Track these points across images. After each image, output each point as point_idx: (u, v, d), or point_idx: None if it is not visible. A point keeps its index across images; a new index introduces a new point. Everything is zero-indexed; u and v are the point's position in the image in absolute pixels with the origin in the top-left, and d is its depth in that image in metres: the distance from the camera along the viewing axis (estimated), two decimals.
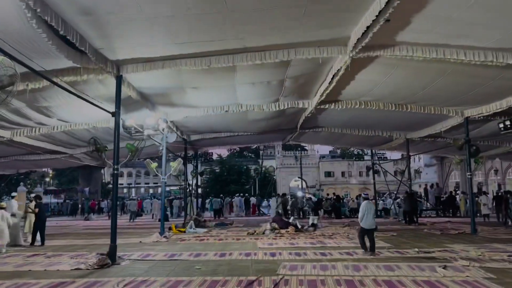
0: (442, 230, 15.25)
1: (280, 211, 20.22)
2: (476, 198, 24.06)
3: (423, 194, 29.19)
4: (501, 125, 12.18)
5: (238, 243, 12.08)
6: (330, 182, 55.63)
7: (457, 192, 29.80)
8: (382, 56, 9.53)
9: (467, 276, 6.74)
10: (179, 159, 14.37)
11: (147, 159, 14.18)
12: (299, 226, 15.32)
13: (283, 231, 14.58)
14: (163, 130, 12.91)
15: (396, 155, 37.86)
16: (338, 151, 73.90)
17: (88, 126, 14.31)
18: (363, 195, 10.61)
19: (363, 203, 9.68)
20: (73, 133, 15.67)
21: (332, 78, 10.92)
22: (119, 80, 9.48)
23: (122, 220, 26.49)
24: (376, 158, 29.43)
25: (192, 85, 11.22)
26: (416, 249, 10.05)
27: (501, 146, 19.69)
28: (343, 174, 57.03)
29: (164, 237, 13.46)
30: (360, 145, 25.58)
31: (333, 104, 14.00)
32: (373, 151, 27.26)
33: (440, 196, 27.12)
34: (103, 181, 51.35)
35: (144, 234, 14.83)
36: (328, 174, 57.11)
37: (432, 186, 29.56)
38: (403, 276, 6.88)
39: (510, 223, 16.70)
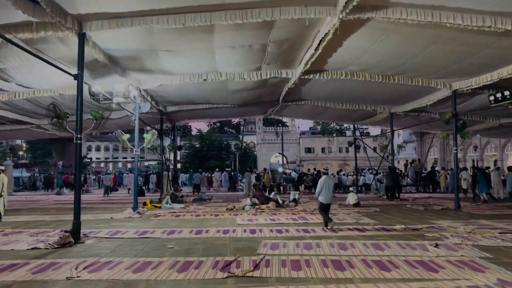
0: (425, 205, 14.98)
1: (261, 186, 19.63)
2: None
3: (403, 170, 29.15)
4: (492, 98, 11.70)
5: (216, 220, 11.42)
6: (310, 158, 55.59)
7: (435, 167, 29.90)
8: (373, 19, 8.75)
9: (462, 255, 6.24)
10: (153, 130, 13.43)
11: (119, 130, 13.20)
12: (280, 202, 14.79)
13: (263, 206, 14.04)
14: (134, 98, 11.92)
15: (377, 130, 37.74)
16: (319, 127, 74.02)
17: (53, 93, 13.15)
18: (323, 170, 10.46)
19: (322, 178, 9.49)
20: (37, 101, 14.45)
21: (319, 44, 10.09)
22: (82, 38, 8.41)
23: (97, 195, 25.59)
24: (358, 134, 29.09)
25: (165, 47, 10.17)
26: (403, 225, 9.60)
27: (485, 122, 19.44)
28: (323, 150, 57.08)
29: (137, 213, 12.69)
30: (343, 120, 25.01)
31: (318, 74, 13.24)
32: (356, 126, 26.85)
33: (421, 172, 27.11)
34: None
35: (117, 210, 14.03)
36: (309, 150, 57.06)
37: (412, 162, 29.54)
38: (393, 255, 6.33)
39: (483, 198, 16.59)
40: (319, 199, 9.37)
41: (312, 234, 8.55)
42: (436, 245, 6.98)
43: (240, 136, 60.98)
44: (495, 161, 32.81)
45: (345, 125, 49.37)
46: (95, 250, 7.18)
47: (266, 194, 16.70)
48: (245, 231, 9.08)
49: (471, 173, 17.07)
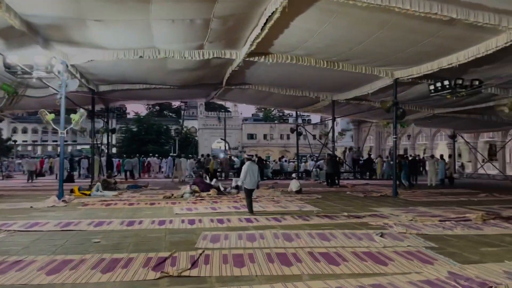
0: (365, 192, 15.20)
1: (201, 172, 18.90)
2: (392, 162, 25.10)
3: (342, 158, 29.87)
4: (432, 87, 11.91)
5: (151, 209, 10.58)
6: (253, 144, 55.51)
7: (371, 155, 30.97)
8: None
9: (409, 245, 6.07)
10: (82, 110, 12.11)
11: (42, 110, 11.75)
12: (222, 189, 14.21)
13: (204, 194, 13.37)
14: (59, 73, 10.59)
15: (319, 118, 38.32)
16: (261, 114, 74.17)
17: None
18: (246, 155, 10.56)
19: (246, 164, 9.52)
20: None
21: (265, 23, 9.50)
22: None
23: (20, 180, 23.36)
24: (301, 121, 29.25)
25: (95, 16, 8.99)
26: (346, 213, 9.47)
27: (420, 111, 20.16)
28: (265, 136, 57.27)
29: (62, 201, 11.46)
30: (286, 106, 24.84)
31: (263, 57, 12.71)
32: (298, 113, 26.85)
33: (358, 159, 27.91)
34: (2, 137, 45.98)
35: (40, 198, 12.60)
36: (251, 136, 56.95)
37: (351, 149, 30.35)
38: (340, 247, 6.01)
39: (405, 185, 17.31)
40: (244, 185, 9.39)
41: (255, 224, 8.07)
42: (382, 235, 6.80)
43: (181, 121, 59.38)
44: (424, 150, 34.79)
45: (287, 112, 49.47)
46: (3, 247, 6.12)
47: (208, 181, 16.03)
48: (183, 221, 8.38)
49: (397, 161, 17.70)
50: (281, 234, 6.93)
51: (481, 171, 26.24)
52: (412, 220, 8.41)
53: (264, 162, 27.27)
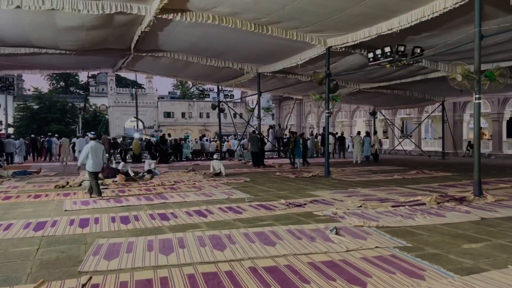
0: (295, 173, 13.95)
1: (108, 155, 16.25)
2: (316, 140, 24.52)
3: (265, 135, 28.73)
4: (371, 55, 10.76)
5: (33, 204, 8.07)
6: (170, 123, 52.47)
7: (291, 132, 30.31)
8: None
9: (377, 247, 4.62)
10: None
11: None
12: (132, 174, 11.94)
13: (108, 181, 11.00)
14: None
15: (239, 94, 36.80)
16: (178, 92, 70.69)
17: None
18: (90, 134, 9.15)
19: (90, 143, 8.55)
20: None
21: None
22: None
23: None
24: (223, 96, 27.38)
25: None
26: (283, 200, 7.96)
27: (347, 86, 19.46)
28: (183, 115, 54.45)
29: None
30: (207, 79, 22.57)
31: (179, 14, 10.51)
32: (220, 87, 24.90)
33: (282, 137, 26.97)
34: None
35: None
36: (168, 114, 53.78)
37: (273, 126, 29.31)
38: (291, 255, 4.37)
39: (298, 163, 16.49)
40: (87, 169, 8.51)
41: (173, 223, 6.14)
42: (336, 231, 5.31)
43: (89, 98, 54.02)
44: (341, 127, 35.18)
45: (208, 86, 46.06)
46: None
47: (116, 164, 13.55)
48: (71, 223, 6.15)
49: (292, 139, 16.64)
50: (208, 237, 5.12)
51: (398, 147, 26.82)
52: (361, 206, 7.12)
53: (182, 140, 25.08)
